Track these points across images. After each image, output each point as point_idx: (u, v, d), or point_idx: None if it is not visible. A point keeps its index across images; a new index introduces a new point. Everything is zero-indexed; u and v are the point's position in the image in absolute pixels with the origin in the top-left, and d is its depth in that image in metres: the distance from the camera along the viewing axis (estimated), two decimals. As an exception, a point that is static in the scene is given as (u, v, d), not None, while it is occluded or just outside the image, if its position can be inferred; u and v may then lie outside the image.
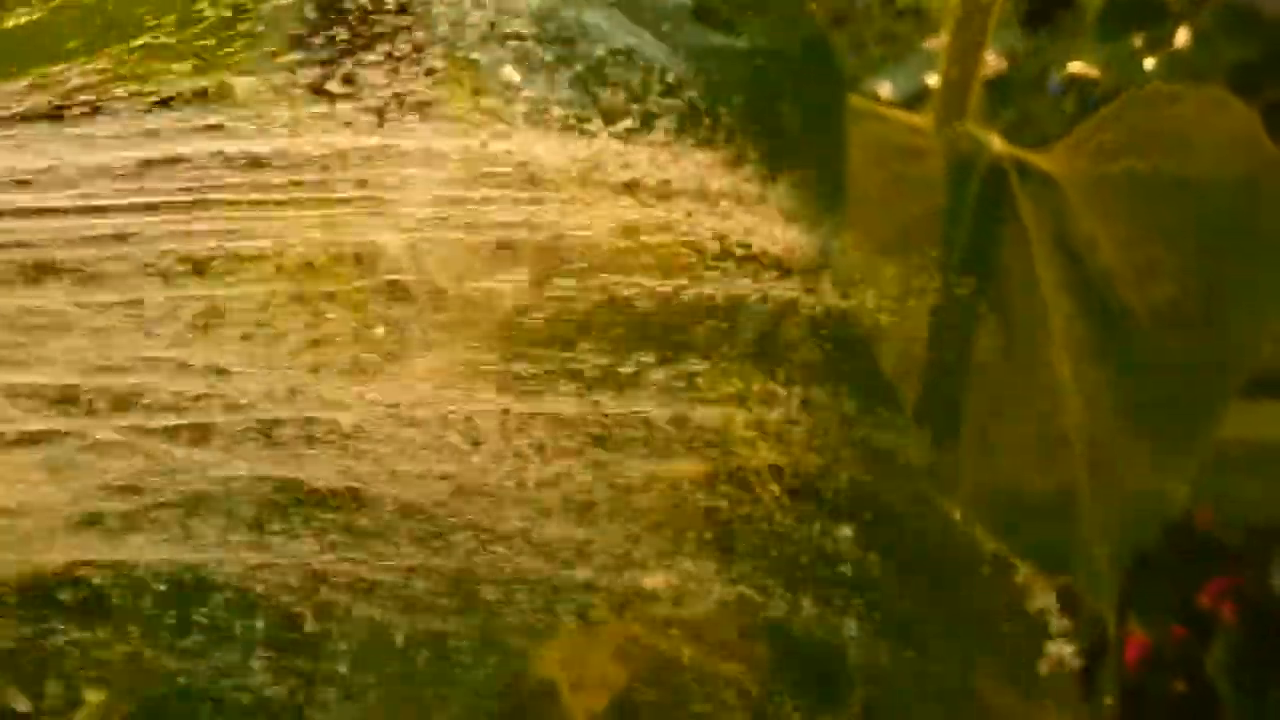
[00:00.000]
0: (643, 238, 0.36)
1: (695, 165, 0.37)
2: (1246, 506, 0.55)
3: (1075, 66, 0.76)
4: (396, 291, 0.36)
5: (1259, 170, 0.43)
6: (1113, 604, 0.43)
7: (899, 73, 0.76)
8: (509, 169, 0.36)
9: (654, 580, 0.37)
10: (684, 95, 0.38)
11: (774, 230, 0.37)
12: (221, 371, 0.35)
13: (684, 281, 0.36)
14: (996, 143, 0.46)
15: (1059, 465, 0.43)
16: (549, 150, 0.36)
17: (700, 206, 0.37)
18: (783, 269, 0.37)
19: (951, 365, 0.42)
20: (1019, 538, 0.44)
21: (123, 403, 0.35)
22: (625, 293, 0.36)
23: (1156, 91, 0.44)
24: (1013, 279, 0.44)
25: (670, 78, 0.38)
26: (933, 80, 0.67)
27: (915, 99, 0.72)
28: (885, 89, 0.75)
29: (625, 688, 0.40)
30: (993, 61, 0.73)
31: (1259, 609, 0.68)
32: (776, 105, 0.40)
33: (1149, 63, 0.72)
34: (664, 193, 0.37)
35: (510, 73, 0.37)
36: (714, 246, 0.37)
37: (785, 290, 0.37)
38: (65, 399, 0.35)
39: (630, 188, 0.36)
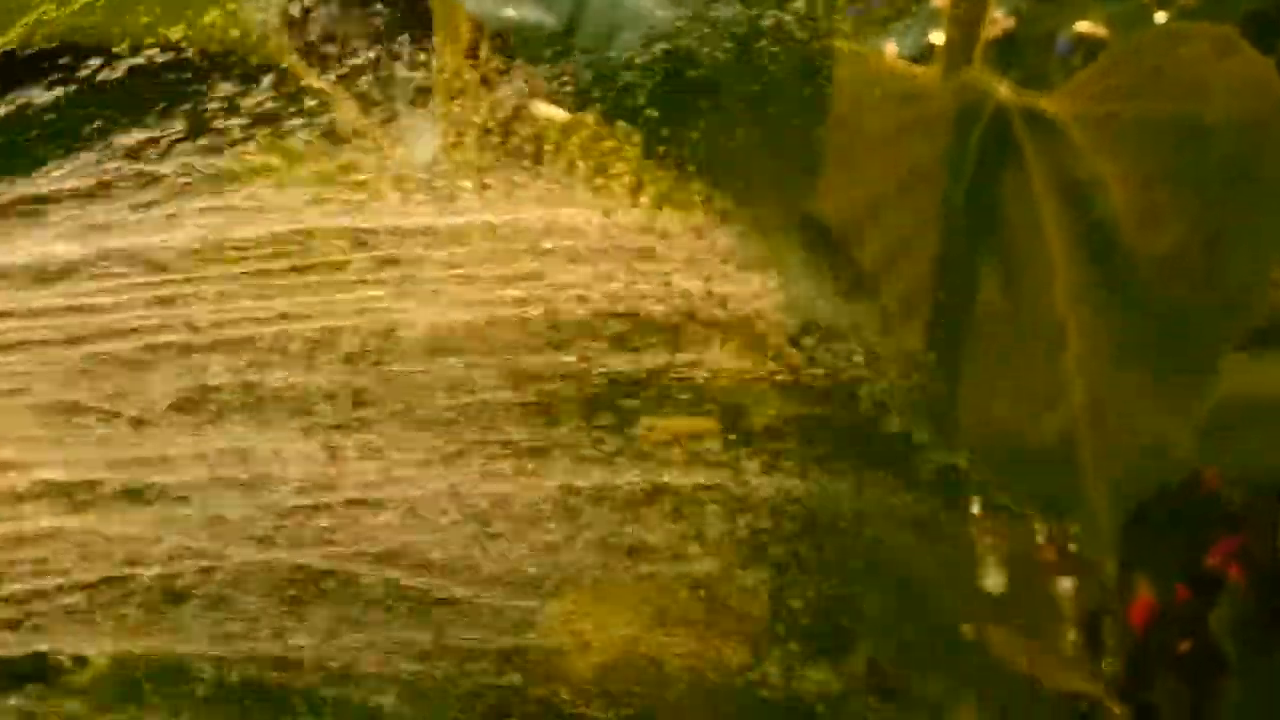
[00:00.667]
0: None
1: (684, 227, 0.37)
2: (1250, 461, 0.55)
3: (1083, 25, 0.75)
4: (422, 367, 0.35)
5: (1269, 114, 0.42)
6: (1112, 553, 0.42)
7: (904, 32, 0.75)
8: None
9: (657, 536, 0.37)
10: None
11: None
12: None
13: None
14: (1002, 89, 0.45)
15: (1061, 413, 0.42)
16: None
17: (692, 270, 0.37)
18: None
19: (953, 311, 0.42)
20: (1020, 486, 0.43)
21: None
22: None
23: (1165, 33, 0.44)
24: (1016, 224, 0.43)
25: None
26: (938, 38, 0.66)
27: (920, 58, 0.72)
28: (890, 48, 0.75)
29: (630, 647, 0.40)
30: (1000, 20, 0.72)
31: (1265, 570, 0.67)
32: (761, 49, 0.39)
33: (1159, 18, 0.71)
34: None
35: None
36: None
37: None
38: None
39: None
